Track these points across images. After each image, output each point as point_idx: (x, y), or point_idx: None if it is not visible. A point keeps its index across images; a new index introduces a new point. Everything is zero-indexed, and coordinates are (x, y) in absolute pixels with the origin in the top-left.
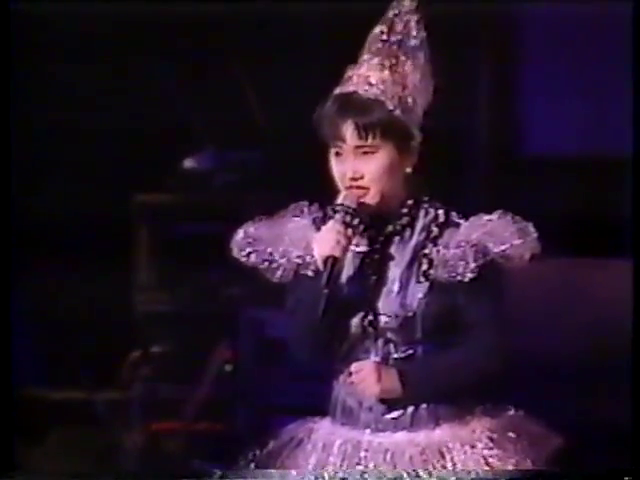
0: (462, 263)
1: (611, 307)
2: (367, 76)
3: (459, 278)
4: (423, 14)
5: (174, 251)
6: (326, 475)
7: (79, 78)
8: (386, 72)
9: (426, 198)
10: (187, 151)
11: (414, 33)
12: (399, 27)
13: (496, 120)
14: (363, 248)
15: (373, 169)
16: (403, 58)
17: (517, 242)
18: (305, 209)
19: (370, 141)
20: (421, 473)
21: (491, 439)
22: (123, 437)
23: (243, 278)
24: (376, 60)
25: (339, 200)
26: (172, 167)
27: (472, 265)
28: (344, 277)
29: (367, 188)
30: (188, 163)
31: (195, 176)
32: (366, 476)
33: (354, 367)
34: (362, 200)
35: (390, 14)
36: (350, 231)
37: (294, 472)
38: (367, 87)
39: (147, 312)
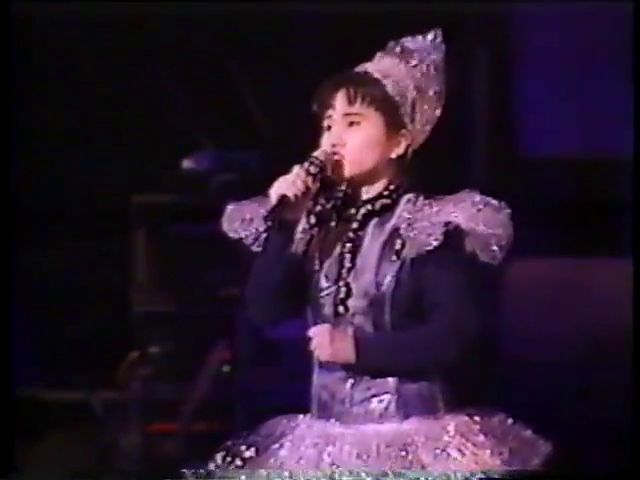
0: (428, 232)
1: (611, 307)
2: (371, 64)
3: (425, 248)
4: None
5: (172, 251)
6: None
7: (79, 78)
8: (393, 66)
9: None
10: (186, 151)
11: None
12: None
13: (496, 120)
14: (340, 227)
15: (356, 139)
16: (414, 62)
17: (488, 214)
18: None
19: (358, 107)
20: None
21: (463, 437)
22: (121, 437)
23: (241, 278)
24: (386, 58)
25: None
26: (171, 167)
27: (437, 232)
28: (319, 256)
29: (345, 157)
30: (187, 163)
31: (194, 176)
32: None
33: (311, 332)
34: (337, 164)
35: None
36: (310, 179)
37: (263, 472)
38: (368, 68)
39: (145, 312)
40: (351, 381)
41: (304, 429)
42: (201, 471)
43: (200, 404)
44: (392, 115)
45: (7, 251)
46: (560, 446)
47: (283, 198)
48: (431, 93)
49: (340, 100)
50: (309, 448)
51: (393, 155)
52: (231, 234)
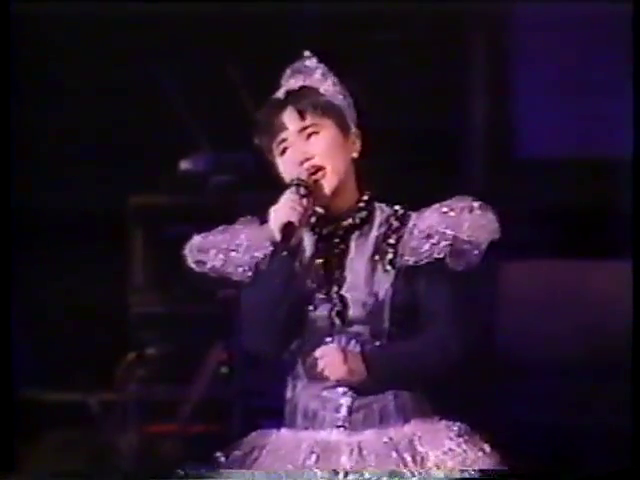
0: (428, 245)
1: (611, 307)
2: (290, 83)
3: (426, 260)
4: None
5: (170, 252)
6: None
7: (78, 78)
8: (312, 80)
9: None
10: (183, 153)
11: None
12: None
13: (494, 121)
14: (320, 244)
15: (322, 146)
16: (319, 76)
17: (480, 222)
18: (257, 220)
19: (310, 120)
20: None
21: (462, 438)
22: (119, 438)
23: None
24: (298, 76)
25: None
26: (168, 169)
27: (441, 244)
28: (307, 273)
29: (322, 167)
30: (184, 165)
31: (191, 178)
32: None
33: (319, 352)
34: (317, 179)
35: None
36: (305, 201)
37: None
38: (294, 85)
39: (143, 313)
40: (344, 389)
41: (289, 441)
42: (200, 471)
43: (198, 405)
44: (340, 118)
45: (7, 252)
46: (560, 446)
47: (289, 225)
48: (341, 99)
49: (290, 118)
50: (308, 457)
51: (355, 154)
52: (195, 266)
